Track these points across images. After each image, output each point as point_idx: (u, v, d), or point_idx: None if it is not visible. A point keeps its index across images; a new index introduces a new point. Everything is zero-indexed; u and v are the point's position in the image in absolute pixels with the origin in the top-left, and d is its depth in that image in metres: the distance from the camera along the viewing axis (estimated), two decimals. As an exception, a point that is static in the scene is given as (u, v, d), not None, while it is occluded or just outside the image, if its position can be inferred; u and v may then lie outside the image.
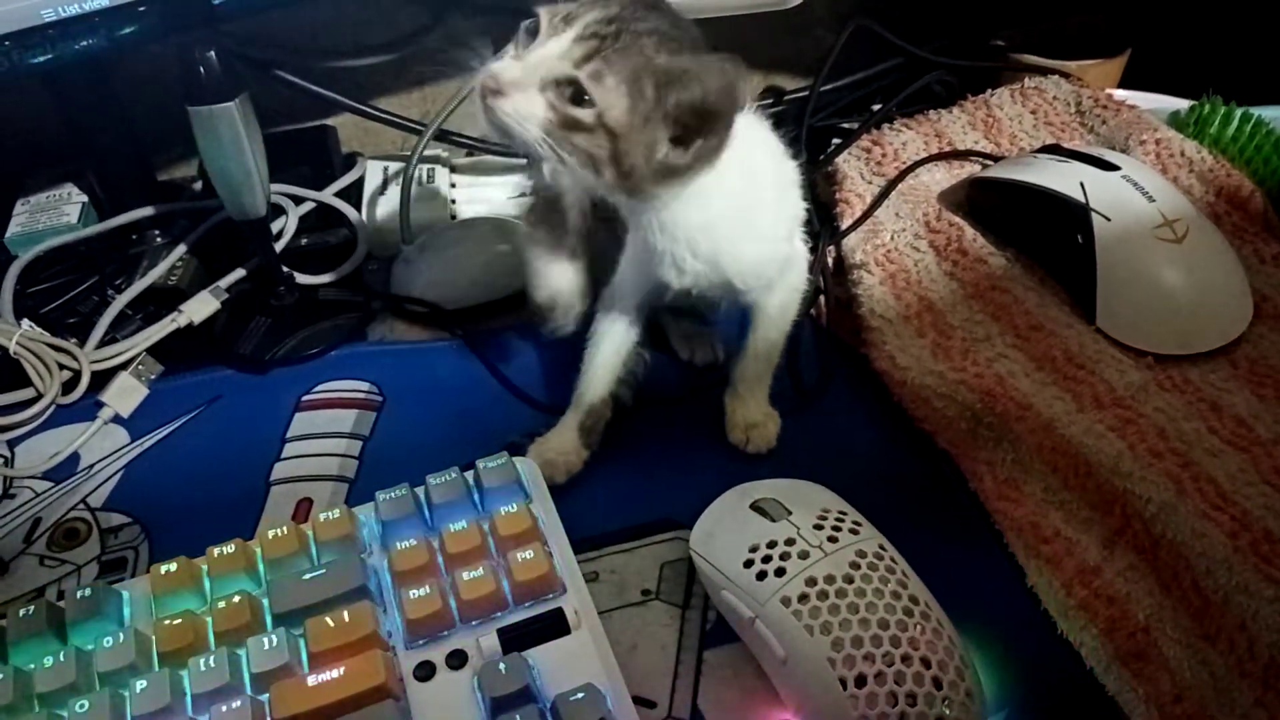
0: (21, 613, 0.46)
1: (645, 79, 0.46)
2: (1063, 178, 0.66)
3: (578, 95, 0.46)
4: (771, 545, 0.47)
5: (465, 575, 0.46)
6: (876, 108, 0.86)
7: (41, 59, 0.62)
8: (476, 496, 0.51)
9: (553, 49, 0.46)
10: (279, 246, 0.73)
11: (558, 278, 0.58)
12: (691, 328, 0.67)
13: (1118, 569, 0.49)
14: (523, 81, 0.46)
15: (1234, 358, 0.60)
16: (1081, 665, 0.47)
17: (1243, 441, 0.53)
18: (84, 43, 0.63)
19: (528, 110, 0.46)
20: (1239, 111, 0.74)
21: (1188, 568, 0.47)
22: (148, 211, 0.76)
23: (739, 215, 0.53)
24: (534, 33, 0.47)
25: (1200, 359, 0.60)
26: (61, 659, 0.44)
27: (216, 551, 0.49)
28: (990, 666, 0.46)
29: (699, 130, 0.47)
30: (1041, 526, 0.52)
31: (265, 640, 0.44)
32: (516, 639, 0.45)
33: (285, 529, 0.49)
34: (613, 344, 0.60)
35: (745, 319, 0.61)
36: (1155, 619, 0.47)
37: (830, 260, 0.71)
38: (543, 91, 0.46)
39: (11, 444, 0.64)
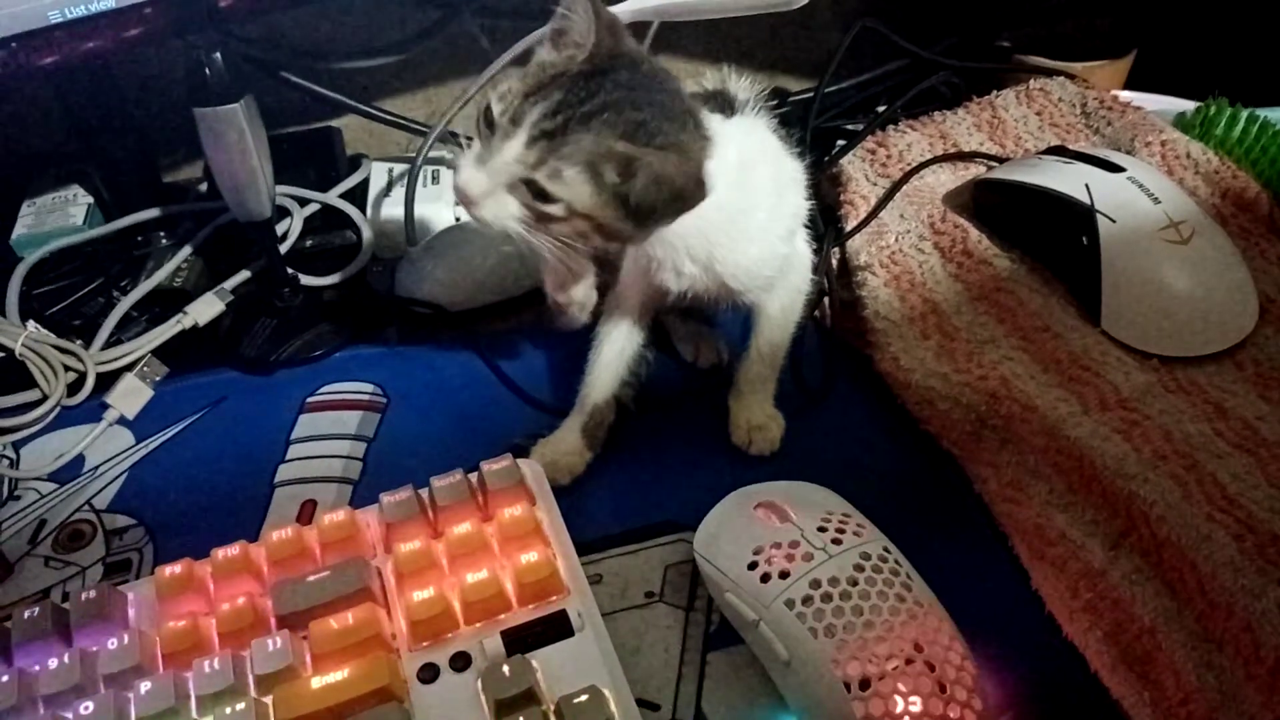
0: (27, 614, 0.46)
1: (604, 165, 0.46)
2: (1068, 179, 0.66)
3: (541, 193, 0.47)
4: (775, 547, 0.47)
5: (469, 577, 0.46)
6: (881, 109, 0.85)
7: (48, 60, 0.62)
8: (480, 498, 0.51)
9: (508, 154, 0.47)
10: (284, 248, 0.74)
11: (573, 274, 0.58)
12: (695, 329, 0.67)
13: (1123, 572, 0.49)
14: (489, 188, 0.47)
15: (1240, 360, 0.60)
16: (1086, 668, 0.47)
17: (1249, 444, 0.53)
18: (90, 44, 0.63)
19: (504, 213, 0.48)
20: (1245, 113, 0.73)
21: (1193, 570, 0.47)
22: (153, 213, 0.76)
23: (733, 219, 0.53)
24: (490, 124, 0.48)
25: (1206, 361, 0.60)
26: (66, 661, 0.44)
27: (221, 553, 0.49)
28: (994, 669, 0.46)
29: (669, 207, 0.47)
30: (1046, 529, 0.52)
31: (269, 642, 0.44)
32: (520, 641, 0.45)
33: (289, 531, 0.49)
34: (616, 346, 0.60)
35: (749, 321, 0.61)
36: (1160, 622, 0.47)
37: (834, 262, 0.70)
38: (511, 192, 0.47)
39: (17, 445, 0.64)
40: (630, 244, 0.51)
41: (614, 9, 0.68)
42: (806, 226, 0.62)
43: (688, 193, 0.46)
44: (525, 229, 0.48)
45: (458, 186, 0.48)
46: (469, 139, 0.49)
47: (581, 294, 0.57)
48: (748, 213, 0.54)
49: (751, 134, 0.56)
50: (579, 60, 0.48)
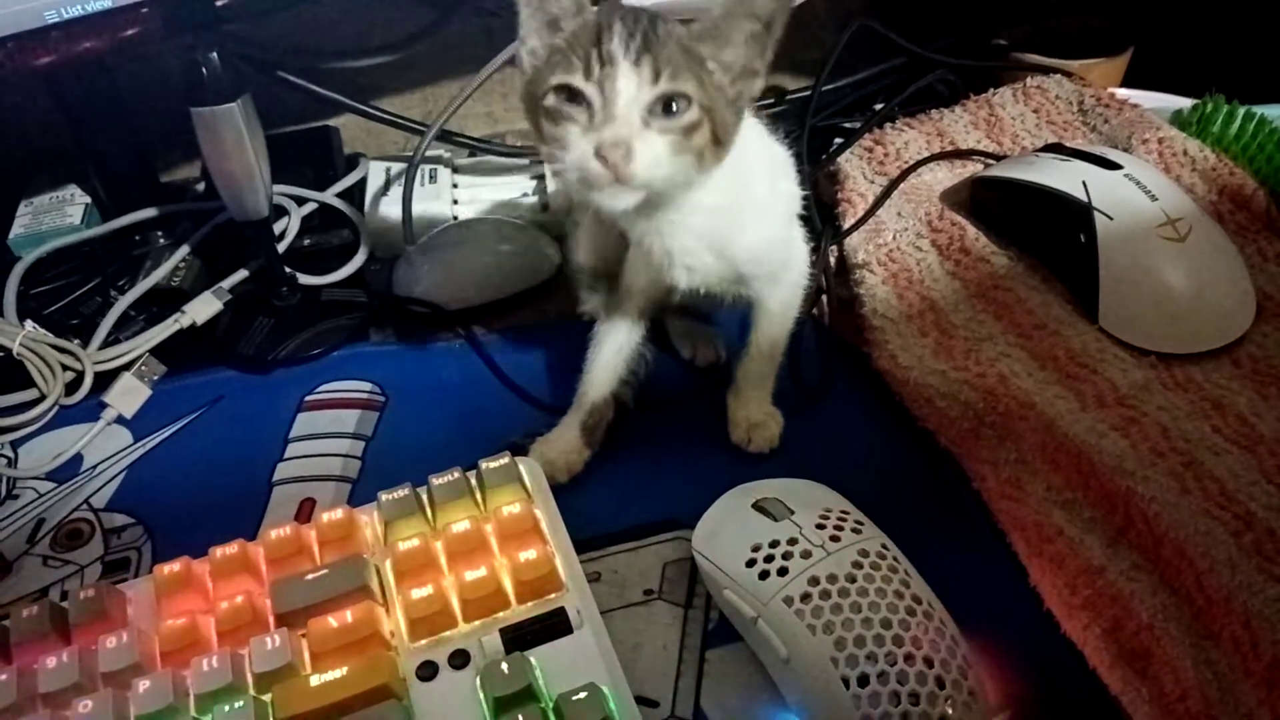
0: (25, 613, 0.46)
1: (693, 47, 0.47)
2: (1065, 177, 0.66)
3: (668, 105, 0.46)
4: (774, 545, 0.47)
5: (468, 575, 0.46)
6: (878, 107, 0.86)
7: (45, 60, 0.62)
8: (479, 496, 0.51)
9: (625, 88, 0.45)
10: (281, 247, 0.74)
11: (603, 241, 0.57)
12: (694, 328, 0.67)
13: (1120, 568, 0.49)
14: (634, 130, 0.45)
15: (1237, 356, 0.60)
16: (1084, 665, 0.47)
17: (1246, 440, 0.53)
18: (87, 44, 0.63)
19: (653, 154, 0.46)
20: (1242, 110, 0.73)
21: (1191, 567, 0.47)
22: (151, 213, 0.76)
23: (736, 199, 0.53)
24: (575, 99, 0.46)
25: (1203, 358, 0.60)
26: (65, 659, 0.44)
27: (219, 552, 0.49)
28: (993, 666, 0.46)
29: (766, 31, 0.47)
30: (1044, 526, 0.52)
31: (268, 640, 0.44)
32: (519, 639, 0.45)
33: (288, 529, 0.49)
34: (615, 344, 0.60)
35: (747, 319, 0.61)
36: (1158, 618, 0.47)
37: (832, 260, 0.70)
38: (648, 128, 0.46)
39: (15, 444, 0.64)
40: (727, 143, 0.49)
41: None
42: (804, 224, 0.62)
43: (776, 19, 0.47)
44: (669, 167, 0.46)
45: (607, 145, 0.45)
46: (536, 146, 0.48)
47: (602, 257, 0.57)
48: (748, 189, 0.54)
49: None
50: (592, 16, 0.47)
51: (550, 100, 0.47)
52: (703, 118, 0.46)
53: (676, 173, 0.47)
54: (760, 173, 0.55)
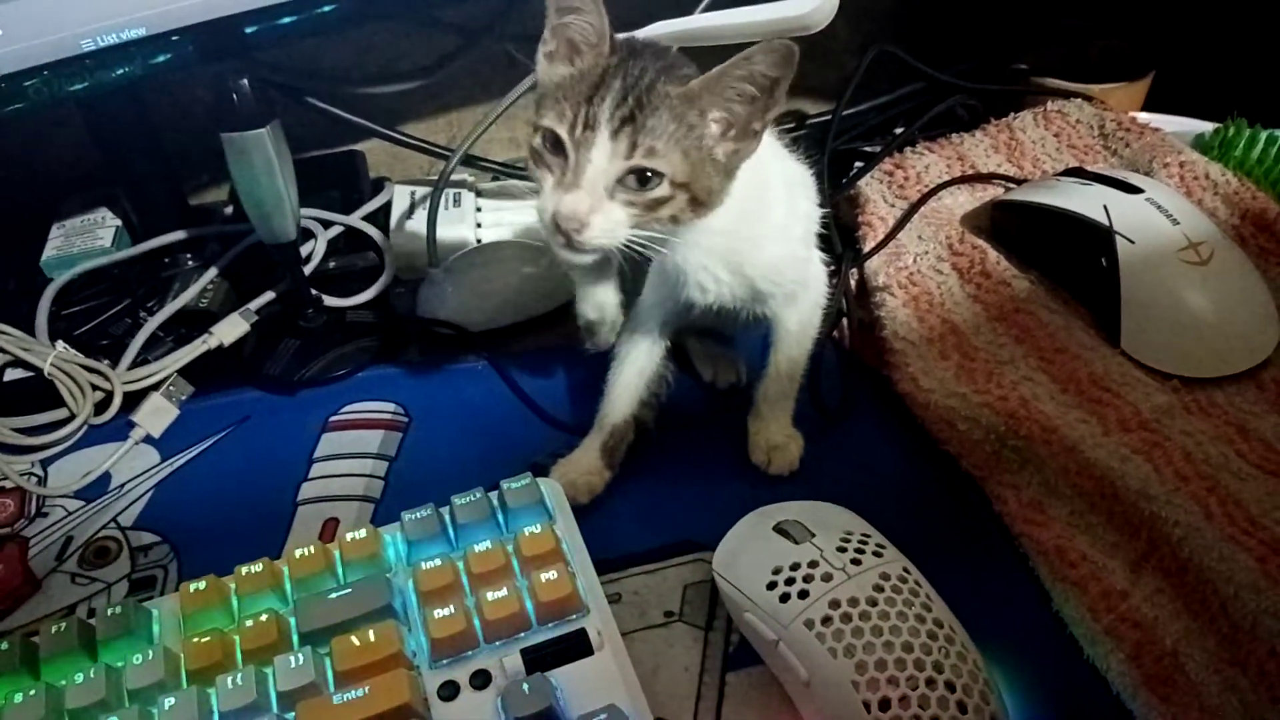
0: (53, 629, 0.46)
1: (687, 113, 0.47)
2: (1086, 201, 0.66)
3: (642, 178, 0.47)
4: (795, 567, 0.47)
5: (489, 595, 0.46)
6: (899, 131, 0.86)
7: (79, 87, 0.63)
8: (501, 517, 0.51)
9: (598, 157, 0.46)
10: (308, 270, 0.74)
11: (603, 296, 0.58)
12: (714, 350, 0.68)
13: (1145, 593, 0.49)
14: (595, 201, 0.47)
15: (1261, 380, 0.59)
16: (1108, 690, 0.47)
17: (1270, 465, 0.53)
18: (120, 71, 0.64)
19: (611, 223, 0.47)
20: (1264, 134, 0.73)
21: (1215, 592, 0.47)
22: (180, 235, 0.77)
23: (754, 220, 0.53)
24: (557, 148, 0.47)
25: (1226, 382, 0.59)
26: (92, 675, 0.44)
27: (244, 570, 0.49)
28: (1015, 691, 0.46)
29: (768, 96, 0.47)
30: (1067, 550, 0.52)
31: (292, 659, 0.44)
32: (540, 659, 0.45)
33: (312, 548, 0.50)
34: (636, 366, 0.60)
35: (767, 341, 0.61)
36: (1183, 644, 0.47)
37: (853, 283, 0.71)
38: (612, 198, 0.47)
39: (45, 463, 0.65)
40: (713, 204, 0.50)
41: (636, 34, 0.69)
42: (823, 248, 0.63)
43: (781, 73, 0.46)
44: (630, 233, 0.48)
45: (562, 216, 0.47)
46: (525, 184, 0.49)
47: (610, 309, 0.58)
48: (766, 210, 0.54)
49: None
50: (607, 54, 0.48)
51: (537, 141, 0.48)
52: (674, 193, 0.48)
53: (638, 237, 0.48)
54: (778, 195, 0.56)
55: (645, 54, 0.49)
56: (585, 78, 0.48)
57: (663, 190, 0.47)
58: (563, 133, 0.47)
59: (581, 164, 0.47)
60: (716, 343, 0.68)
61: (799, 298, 0.59)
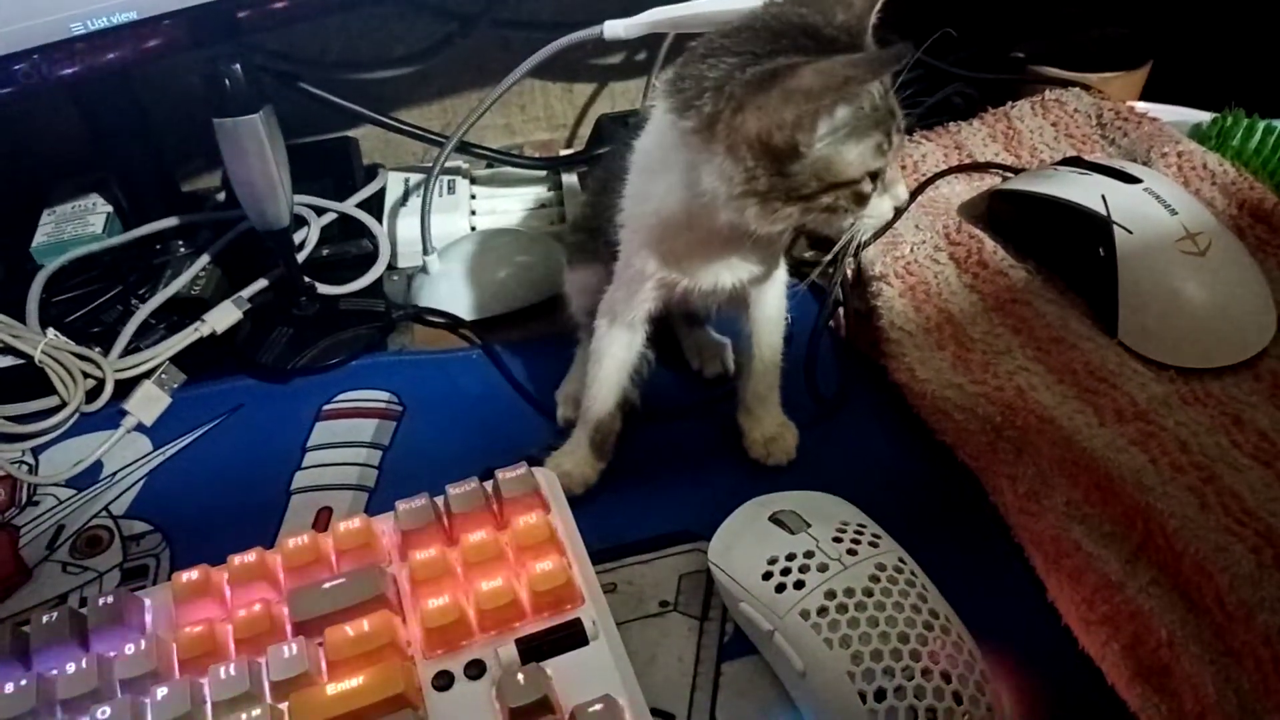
0: (45, 619, 0.46)
1: None
2: (1084, 190, 0.66)
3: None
4: (790, 558, 0.47)
5: (484, 585, 0.46)
6: (896, 120, 0.85)
7: (69, 71, 0.63)
8: (495, 506, 0.51)
9: (896, 135, 0.49)
10: (301, 257, 0.74)
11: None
12: (703, 338, 0.67)
13: (1140, 584, 0.49)
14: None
15: (1257, 371, 0.59)
16: (1103, 681, 0.47)
17: (1266, 456, 0.53)
18: (110, 55, 0.63)
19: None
20: (1262, 124, 0.73)
21: (1211, 583, 0.47)
22: (171, 222, 0.76)
23: None
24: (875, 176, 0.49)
25: (1223, 373, 0.59)
26: (84, 665, 0.44)
27: (237, 560, 0.49)
28: (1010, 681, 0.46)
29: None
30: (1062, 540, 0.52)
31: (285, 649, 0.44)
32: (534, 649, 0.45)
33: (305, 538, 0.50)
34: (616, 359, 0.58)
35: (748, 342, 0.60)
36: (1178, 635, 0.46)
37: (850, 272, 0.70)
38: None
39: (36, 451, 0.65)
40: None
41: (631, 19, 0.69)
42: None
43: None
44: None
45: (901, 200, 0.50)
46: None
47: None
48: None
49: None
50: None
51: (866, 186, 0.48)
52: None
53: None
54: None
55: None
56: (880, 110, 0.51)
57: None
58: (880, 164, 0.49)
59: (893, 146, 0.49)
60: (702, 330, 0.68)
61: (775, 276, 0.59)
